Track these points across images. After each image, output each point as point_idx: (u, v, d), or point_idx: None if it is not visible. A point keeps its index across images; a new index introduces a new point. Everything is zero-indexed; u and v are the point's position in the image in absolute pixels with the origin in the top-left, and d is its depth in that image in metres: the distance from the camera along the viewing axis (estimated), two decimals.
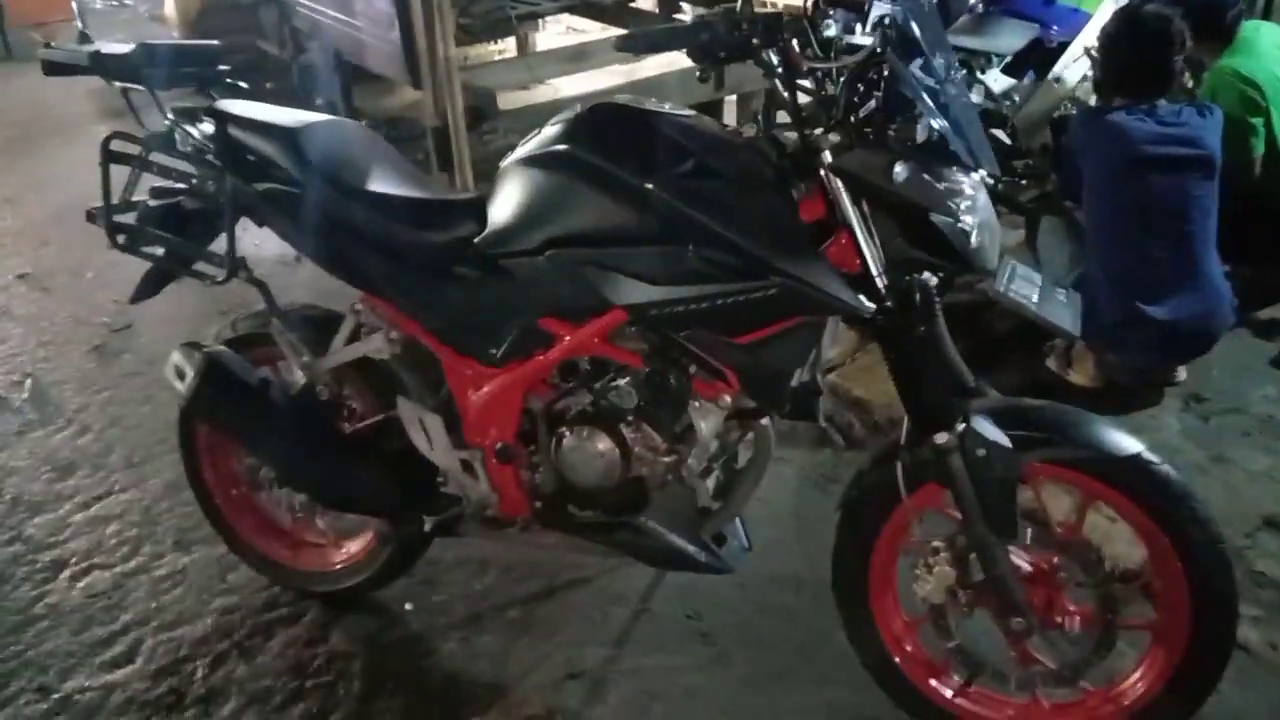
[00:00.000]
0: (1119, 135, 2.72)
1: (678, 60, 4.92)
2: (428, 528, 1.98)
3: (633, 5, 5.17)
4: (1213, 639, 1.69)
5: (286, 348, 2.02)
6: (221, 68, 2.11)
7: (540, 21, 5.74)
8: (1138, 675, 1.77)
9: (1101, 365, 2.89)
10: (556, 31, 6.25)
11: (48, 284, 4.11)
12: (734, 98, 4.80)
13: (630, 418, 1.83)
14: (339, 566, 2.28)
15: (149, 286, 2.19)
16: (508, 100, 4.19)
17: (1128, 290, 2.74)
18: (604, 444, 1.84)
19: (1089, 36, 3.38)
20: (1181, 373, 2.96)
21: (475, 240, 1.84)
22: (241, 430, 2.04)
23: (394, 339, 1.96)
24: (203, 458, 2.32)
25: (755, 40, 1.56)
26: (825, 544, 2.37)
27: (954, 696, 1.89)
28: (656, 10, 5.17)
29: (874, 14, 1.66)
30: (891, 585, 1.89)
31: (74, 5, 8.02)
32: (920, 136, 1.54)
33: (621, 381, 1.84)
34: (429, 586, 2.36)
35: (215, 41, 2.19)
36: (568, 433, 1.87)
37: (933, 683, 1.90)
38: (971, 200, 1.61)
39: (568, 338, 1.83)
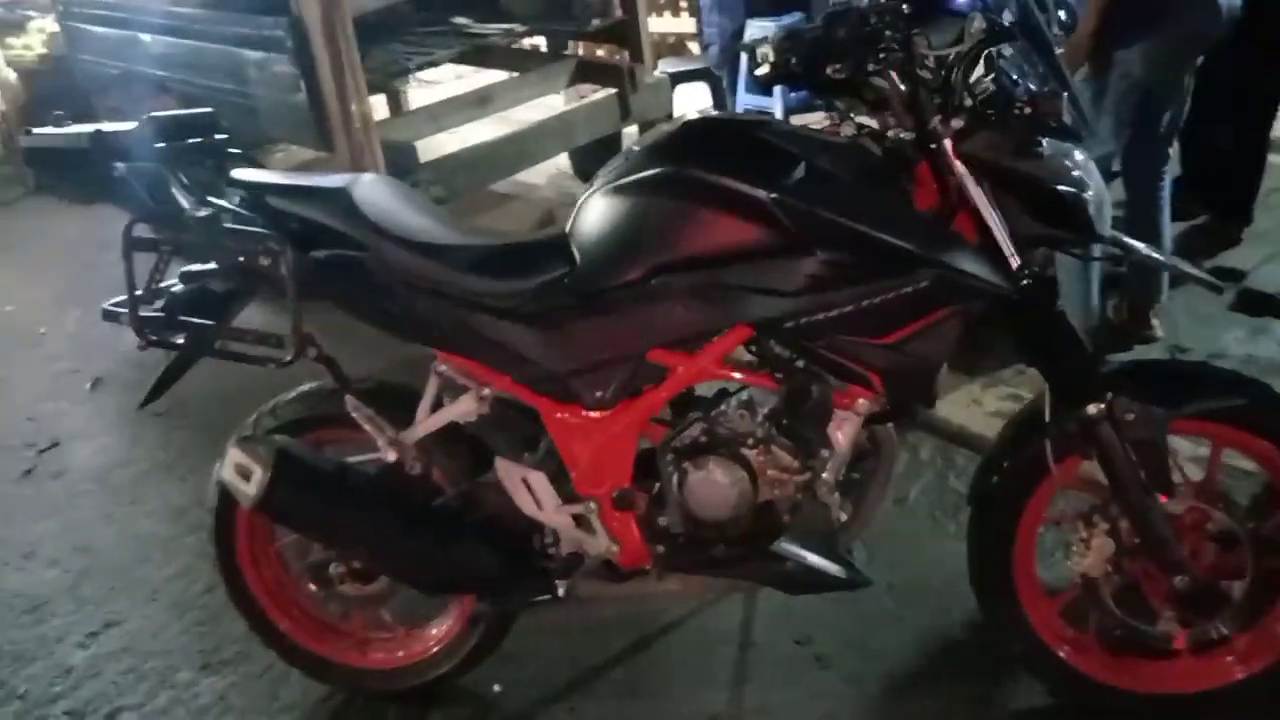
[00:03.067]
0: None
1: (584, 95, 4.92)
2: (561, 593, 1.83)
3: (519, 48, 5.10)
4: None
5: (367, 424, 1.83)
6: (219, 136, 1.92)
7: (410, 76, 5.60)
8: None
9: (1089, 334, 3.00)
10: (412, 86, 6.17)
11: None
12: (635, 129, 4.79)
13: (754, 440, 1.76)
14: (421, 658, 2.09)
15: (167, 382, 1.96)
16: (424, 151, 4.05)
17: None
18: (733, 472, 1.75)
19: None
20: (1158, 328, 3.10)
21: (567, 280, 1.73)
22: (324, 524, 1.83)
23: (485, 397, 1.81)
24: (245, 566, 2.08)
25: (888, 31, 1.52)
26: (892, 543, 2.39)
27: (1107, 668, 1.88)
28: (545, 50, 5.13)
29: None
30: (1032, 569, 1.87)
31: None
32: (1065, 114, 1.54)
33: (742, 403, 1.76)
34: (513, 662, 2.18)
35: (209, 108, 2.00)
36: (690, 467, 1.77)
37: (1084, 658, 1.89)
38: (1085, 170, 1.62)
39: (681, 367, 1.74)
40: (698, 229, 1.64)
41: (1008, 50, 1.63)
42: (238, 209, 1.79)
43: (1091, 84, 2.67)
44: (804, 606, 2.19)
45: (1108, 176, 2.90)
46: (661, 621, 2.25)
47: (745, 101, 6.09)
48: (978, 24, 1.60)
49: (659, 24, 6.73)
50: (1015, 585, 1.85)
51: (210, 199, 1.79)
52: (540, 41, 5.46)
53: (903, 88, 1.57)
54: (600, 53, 5.58)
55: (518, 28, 4.66)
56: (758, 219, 1.60)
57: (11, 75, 6.27)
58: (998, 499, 1.82)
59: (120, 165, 1.81)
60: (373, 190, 1.83)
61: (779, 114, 5.87)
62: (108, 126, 1.81)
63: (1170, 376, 1.79)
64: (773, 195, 1.58)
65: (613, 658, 2.18)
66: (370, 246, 1.75)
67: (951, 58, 1.57)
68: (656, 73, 4.86)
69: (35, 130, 1.87)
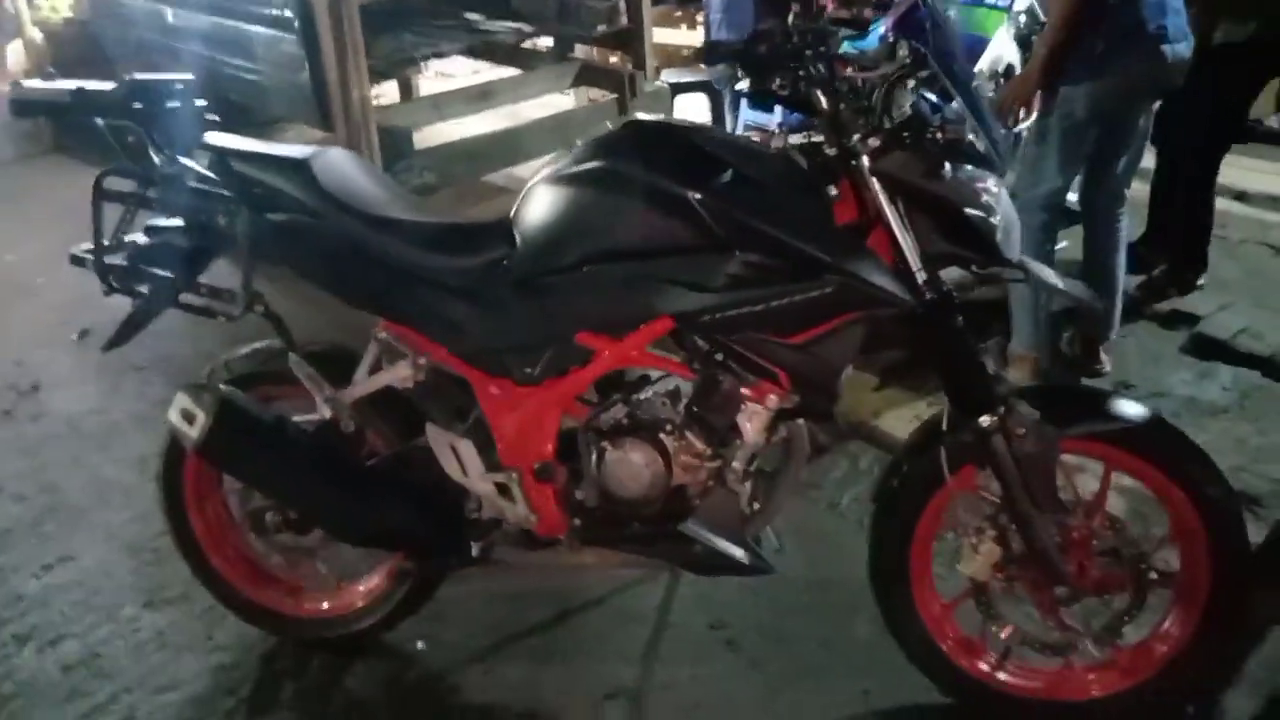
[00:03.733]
0: None
1: (582, 95, 5.05)
2: (474, 553, 1.94)
3: (528, 48, 5.23)
4: (1232, 589, 1.83)
5: (308, 381, 1.95)
6: (199, 101, 2.04)
7: (421, 66, 5.73)
8: (1165, 631, 1.90)
9: (1037, 365, 3.09)
10: (426, 76, 6.31)
11: None
12: None
13: (670, 426, 1.86)
14: (350, 610, 2.20)
15: (129, 329, 2.06)
16: (422, 139, 4.17)
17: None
18: (647, 455, 1.86)
19: (986, 61, 3.62)
20: (1107, 364, 3.19)
21: (506, 261, 1.84)
22: (260, 471, 1.95)
23: (420, 365, 1.92)
24: (190, 509, 2.19)
25: (808, 51, 1.63)
26: (818, 543, 2.50)
27: (993, 671, 1.98)
28: (552, 48, 5.26)
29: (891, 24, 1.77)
30: (928, 569, 1.97)
31: None
32: (976, 140, 1.64)
33: (663, 390, 1.87)
34: (438, 623, 2.28)
35: (189, 75, 2.11)
36: (609, 446, 1.87)
37: (971, 660, 1.98)
38: (995, 196, 1.72)
39: (607, 351, 1.84)
40: (628, 222, 1.75)
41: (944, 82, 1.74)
42: (204, 170, 1.91)
43: (1040, 120, 2.77)
44: (722, 593, 2.31)
45: (1064, 216, 3.00)
46: (582, 597, 2.35)
47: (747, 117, 6.22)
48: (901, 51, 1.71)
49: (674, 36, 6.85)
50: (910, 584, 1.95)
51: (180, 159, 1.91)
52: (550, 42, 5.60)
53: (825, 105, 1.67)
54: (613, 59, 5.71)
55: (525, 27, 4.79)
56: (683, 217, 1.70)
57: (38, 35, 6.42)
58: (897, 500, 1.92)
59: (99, 121, 1.93)
60: (334, 163, 1.95)
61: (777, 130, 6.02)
62: (90, 85, 1.93)
63: (1067, 398, 1.88)
64: (698, 196, 1.69)
65: (533, 626, 2.29)
66: (324, 215, 1.86)
67: (868, 82, 1.68)
68: (658, 82, 4.97)
69: (24, 83, 1.99)
